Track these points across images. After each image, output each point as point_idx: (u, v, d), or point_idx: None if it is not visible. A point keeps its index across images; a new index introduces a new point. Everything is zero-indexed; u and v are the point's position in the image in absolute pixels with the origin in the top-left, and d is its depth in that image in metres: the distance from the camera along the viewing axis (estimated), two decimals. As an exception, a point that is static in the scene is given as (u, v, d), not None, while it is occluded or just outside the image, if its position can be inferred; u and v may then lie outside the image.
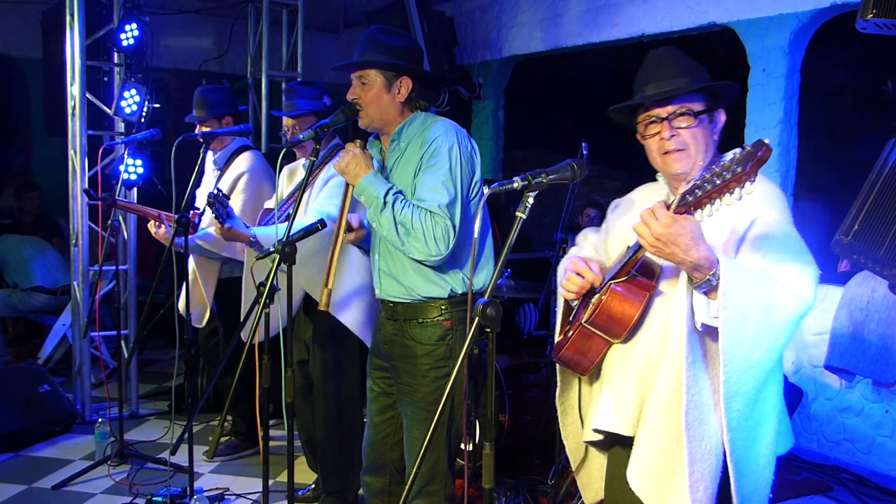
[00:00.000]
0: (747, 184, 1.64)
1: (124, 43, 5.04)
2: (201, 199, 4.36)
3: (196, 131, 4.22)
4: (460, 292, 2.71)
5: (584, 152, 3.80)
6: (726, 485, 1.98)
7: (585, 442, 2.40)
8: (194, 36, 7.51)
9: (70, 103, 5.12)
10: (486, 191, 2.03)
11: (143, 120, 5.17)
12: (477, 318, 1.93)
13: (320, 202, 3.42)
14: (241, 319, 3.54)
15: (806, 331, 4.56)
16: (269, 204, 3.89)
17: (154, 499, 3.78)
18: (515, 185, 2.01)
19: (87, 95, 5.13)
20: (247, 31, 6.41)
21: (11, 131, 7.68)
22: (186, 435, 3.43)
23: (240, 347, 3.08)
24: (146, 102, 5.12)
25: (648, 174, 2.30)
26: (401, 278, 2.73)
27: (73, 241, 5.19)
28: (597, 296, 2.14)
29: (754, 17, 4.84)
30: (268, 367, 2.87)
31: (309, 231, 2.90)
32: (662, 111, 2.12)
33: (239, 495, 4.03)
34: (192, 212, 3.87)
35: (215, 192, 3.23)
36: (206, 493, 3.82)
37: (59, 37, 5.25)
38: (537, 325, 5.26)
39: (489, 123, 7.04)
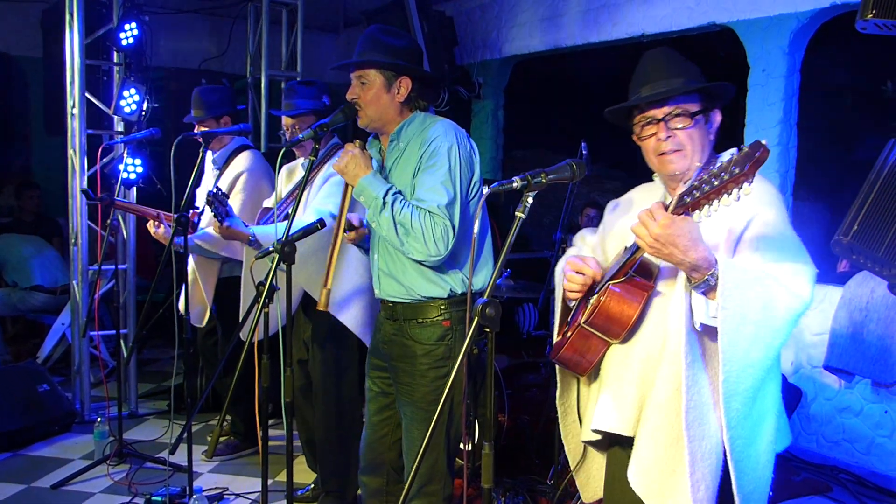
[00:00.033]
0: (745, 185, 1.64)
1: (124, 42, 5.04)
2: (201, 199, 4.36)
3: (195, 131, 4.22)
4: (460, 292, 2.71)
5: (584, 152, 3.80)
6: (726, 484, 1.99)
7: (584, 442, 2.40)
8: (194, 35, 7.51)
9: (70, 102, 5.11)
10: (485, 191, 2.03)
11: (142, 119, 5.17)
12: (476, 318, 1.93)
13: (319, 201, 3.42)
14: (240, 319, 3.54)
15: (805, 331, 4.56)
16: (268, 203, 3.89)
17: (153, 498, 3.78)
18: (515, 184, 2.01)
19: (87, 95, 5.12)
20: (246, 30, 6.40)
21: (11, 130, 7.69)
22: (185, 434, 3.43)
23: (239, 347, 3.08)
24: (146, 102, 5.12)
25: (648, 174, 2.30)
26: (400, 278, 2.73)
27: (73, 241, 5.19)
28: (595, 296, 2.15)
29: (754, 18, 4.84)
30: (267, 366, 2.87)
31: (308, 230, 2.90)
32: (658, 112, 2.12)
33: (238, 495, 4.03)
34: (191, 211, 3.86)
35: (214, 190, 3.23)
36: (205, 493, 3.81)
37: (58, 36, 5.25)
38: (536, 325, 5.26)
39: (489, 123, 7.04)
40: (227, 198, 3.47)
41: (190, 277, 4.18)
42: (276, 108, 3.96)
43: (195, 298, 4.23)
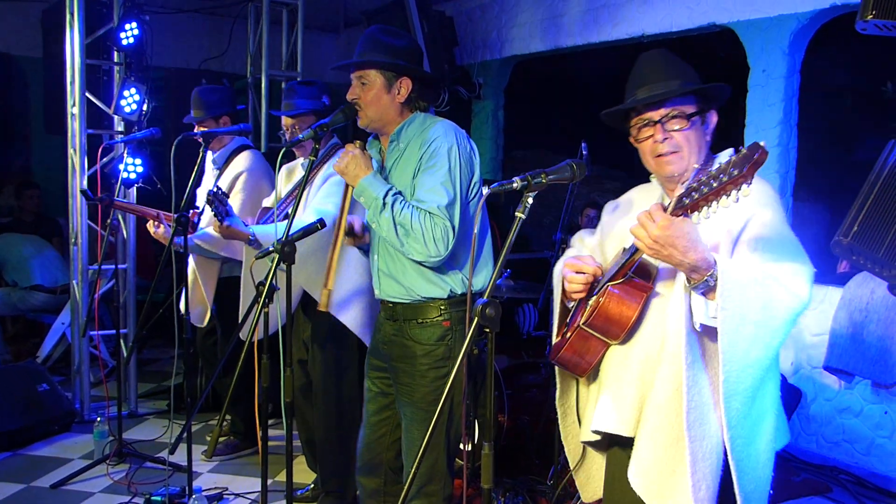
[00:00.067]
0: (744, 186, 1.64)
1: (124, 42, 5.04)
2: (201, 199, 4.36)
3: (195, 131, 4.22)
4: (459, 293, 2.71)
5: (584, 152, 3.81)
6: (726, 483, 2.00)
7: (583, 442, 2.41)
8: (194, 35, 7.51)
9: (70, 102, 5.11)
10: (485, 191, 2.03)
11: (142, 119, 5.17)
12: (476, 319, 1.93)
13: (318, 201, 3.42)
14: (240, 319, 3.54)
15: (805, 331, 4.56)
16: (267, 202, 3.89)
17: (152, 498, 3.77)
18: (515, 185, 2.01)
19: (87, 94, 5.12)
20: (247, 30, 6.40)
21: (11, 130, 7.69)
22: (185, 434, 3.43)
23: (239, 347, 3.08)
24: (146, 101, 5.12)
25: (647, 174, 2.30)
26: (400, 279, 2.73)
27: (73, 240, 5.19)
28: (594, 298, 2.16)
29: (754, 18, 4.84)
30: (267, 366, 2.87)
31: (308, 231, 2.90)
32: (655, 114, 2.12)
33: (238, 495, 4.02)
34: (191, 211, 3.87)
35: (215, 189, 3.24)
36: (204, 493, 3.81)
37: (58, 36, 5.25)
38: (536, 326, 5.26)
39: (489, 123, 7.04)
40: (228, 197, 3.47)
41: (190, 277, 4.18)
42: (276, 108, 3.97)
43: (195, 298, 4.24)
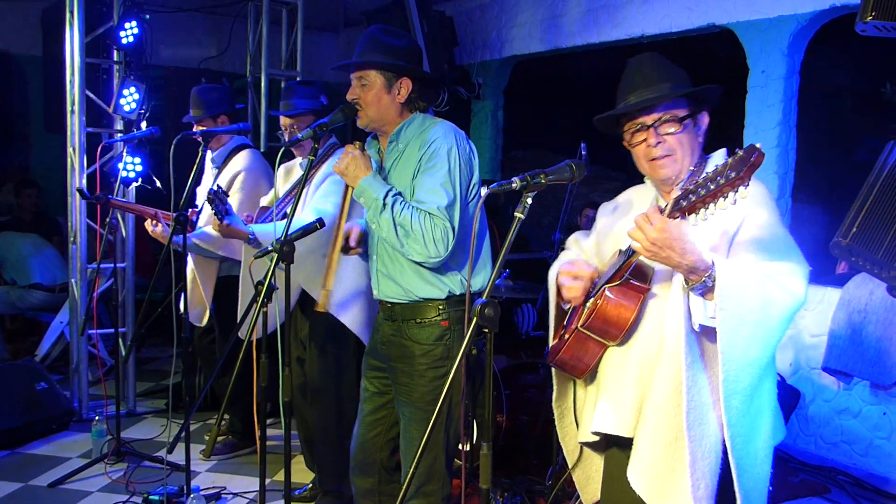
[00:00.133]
0: (741, 188, 1.65)
1: (124, 41, 5.04)
2: (200, 198, 4.36)
3: (194, 130, 4.22)
4: (458, 293, 2.72)
5: (583, 153, 3.81)
6: (725, 481, 2.01)
7: (581, 443, 2.41)
8: (194, 34, 7.51)
9: (69, 101, 5.11)
10: (484, 191, 2.04)
11: (142, 118, 5.17)
12: (475, 319, 1.93)
13: (317, 200, 3.42)
14: (239, 318, 3.54)
15: (804, 332, 4.57)
16: (264, 202, 3.89)
17: (151, 497, 3.77)
18: (514, 185, 2.02)
19: (87, 93, 5.12)
20: (246, 29, 6.40)
21: (11, 129, 7.69)
22: (183, 433, 3.43)
23: (237, 346, 3.07)
24: (145, 100, 5.12)
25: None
26: (399, 279, 2.73)
27: (72, 239, 5.19)
28: (591, 300, 2.17)
29: (754, 19, 4.84)
30: (265, 365, 2.87)
31: (307, 230, 2.90)
32: (648, 119, 2.14)
33: (236, 494, 4.02)
34: (190, 210, 3.86)
35: (215, 188, 3.24)
36: (202, 492, 3.81)
37: (58, 34, 5.25)
38: (535, 326, 5.26)
39: (488, 123, 7.03)
40: (227, 196, 3.47)
41: (189, 277, 4.18)
42: (275, 108, 3.97)
43: (194, 298, 4.23)
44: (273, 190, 3.85)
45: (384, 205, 2.56)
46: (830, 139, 6.54)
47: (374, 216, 2.59)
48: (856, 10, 2.61)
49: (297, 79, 6.13)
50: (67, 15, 5.00)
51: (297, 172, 3.84)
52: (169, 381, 4.80)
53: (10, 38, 7.12)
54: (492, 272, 2.59)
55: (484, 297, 1.95)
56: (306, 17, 6.41)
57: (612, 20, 5.71)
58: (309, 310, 3.56)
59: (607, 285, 2.10)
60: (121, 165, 4.93)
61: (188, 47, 7.40)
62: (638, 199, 2.36)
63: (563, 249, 2.63)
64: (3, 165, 7.61)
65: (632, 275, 2.09)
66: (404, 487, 2.04)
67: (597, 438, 2.27)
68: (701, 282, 1.89)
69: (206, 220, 4.04)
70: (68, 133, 5.13)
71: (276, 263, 2.71)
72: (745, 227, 2.03)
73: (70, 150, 5.13)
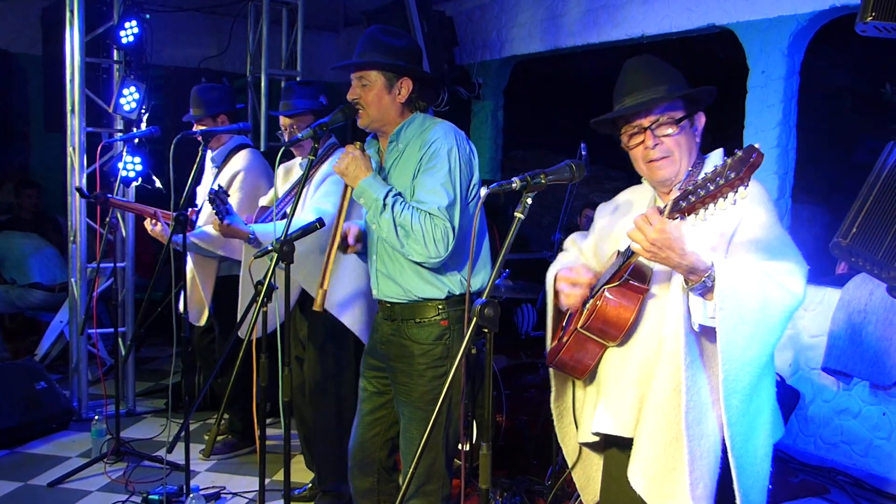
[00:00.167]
0: (741, 188, 1.66)
1: (124, 40, 5.04)
2: (200, 197, 4.36)
3: (194, 129, 4.22)
4: (458, 293, 2.72)
5: (583, 153, 3.81)
6: (724, 480, 2.02)
7: (581, 444, 2.41)
8: (194, 34, 7.51)
9: (69, 100, 5.11)
10: (483, 192, 2.04)
11: (142, 117, 5.17)
12: (475, 319, 1.93)
13: (317, 200, 3.43)
14: (238, 318, 3.54)
15: (804, 332, 4.57)
16: (263, 202, 3.89)
17: (150, 497, 3.77)
18: (514, 185, 2.02)
19: (87, 92, 5.12)
20: (246, 29, 6.40)
21: (10, 128, 7.68)
22: (183, 433, 3.43)
23: (237, 346, 3.07)
24: (145, 100, 5.12)
25: (646, 175, 2.30)
26: (398, 279, 2.73)
27: (71, 238, 5.19)
28: (591, 301, 2.17)
29: (754, 19, 4.84)
30: (265, 365, 2.87)
31: (307, 230, 2.90)
32: (644, 121, 2.15)
33: (235, 494, 4.02)
34: (189, 209, 3.86)
35: (216, 188, 3.24)
36: (202, 492, 3.81)
37: (58, 34, 5.25)
38: (535, 326, 5.25)
39: (488, 123, 7.03)
40: (228, 196, 3.47)
41: (188, 276, 4.18)
42: (275, 108, 3.98)
43: (193, 297, 4.23)
44: (273, 190, 3.85)
45: (384, 205, 2.56)
46: (830, 139, 6.54)
47: (375, 216, 2.59)
48: (856, 11, 2.62)
49: (297, 78, 6.13)
50: (67, 14, 5.00)
51: (297, 172, 3.84)
52: (168, 381, 4.80)
53: (10, 37, 7.12)
54: (491, 272, 2.59)
55: (484, 297, 1.95)
56: (306, 16, 6.41)
57: (612, 20, 5.71)
58: (308, 309, 3.56)
59: (607, 286, 2.10)
60: (121, 165, 4.92)
61: (188, 47, 7.40)
62: (637, 200, 2.36)
63: (561, 251, 2.63)
64: (3, 165, 7.61)
65: (631, 275, 2.10)
66: (404, 487, 2.04)
67: (597, 439, 2.27)
68: (700, 282, 1.90)
69: (205, 220, 4.04)
70: (68, 132, 5.13)
71: (276, 263, 2.71)
72: (742, 227, 2.03)
73: (70, 149, 5.13)
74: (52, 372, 5.56)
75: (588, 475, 2.49)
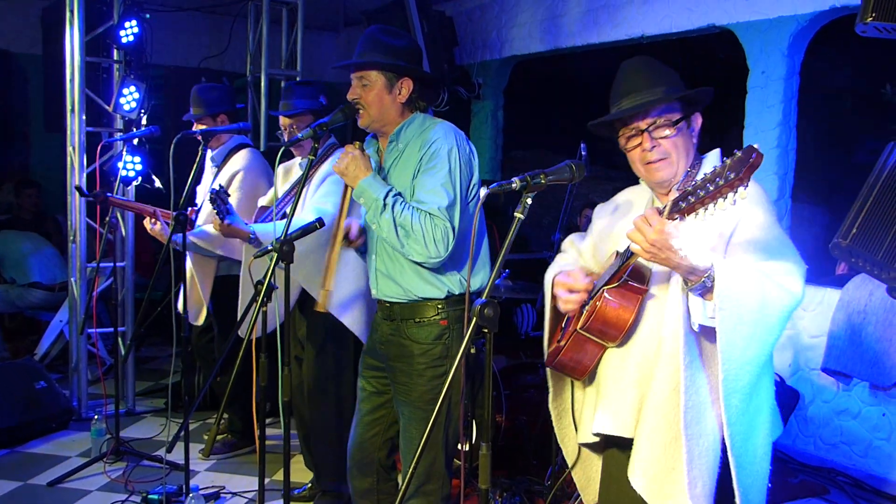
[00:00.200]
0: (740, 189, 1.66)
1: (124, 40, 5.04)
2: (199, 197, 4.36)
3: (193, 129, 4.22)
4: (457, 293, 2.72)
5: (583, 153, 3.81)
6: (724, 479, 2.03)
7: (580, 444, 2.41)
8: (194, 33, 7.51)
9: (69, 100, 5.11)
10: (483, 192, 2.04)
11: (142, 116, 5.17)
12: (475, 319, 1.93)
13: (317, 200, 3.43)
14: (238, 317, 3.54)
15: (803, 333, 4.57)
16: (263, 202, 3.89)
17: (150, 496, 3.77)
18: (514, 185, 2.02)
19: (87, 92, 5.12)
20: (246, 29, 6.40)
21: (10, 128, 7.68)
22: (183, 432, 3.43)
23: (237, 345, 3.07)
24: (145, 99, 5.12)
25: (645, 175, 2.30)
26: (398, 279, 2.73)
27: (71, 238, 5.19)
28: (590, 302, 2.17)
29: (754, 20, 4.84)
30: (265, 365, 2.87)
31: (307, 230, 2.90)
32: (642, 123, 2.15)
33: (235, 493, 4.02)
34: (189, 209, 3.86)
35: (216, 188, 3.24)
36: (201, 492, 3.81)
37: (58, 33, 5.24)
38: (535, 326, 5.26)
39: (488, 123, 7.03)
40: (228, 195, 3.47)
41: (188, 276, 4.18)
42: (275, 108, 3.98)
43: (192, 297, 4.23)
44: (272, 189, 3.85)
45: (384, 205, 2.56)
46: (830, 140, 6.54)
47: (375, 216, 2.59)
48: (856, 11, 2.62)
49: (297, 78, 6.13)
50: (67, 14, 5.00)
51: (296, 172, 3.84)
52: (168, 381, 4.81)
53: (10, 37, 7.12)
54: (491, 272, 2.59)
55: (483, 297, 1.95)
56: (306, 16, 6.41)
57: (612, 20, 5.71)
58: (307, 309, 3.56)
59: (606, 287, 2.11)
60: (120, 164, 4.92)
61: (188, 46, 7.41)
62: (636, 201, 2.37)
63: (560, 252, 2.63)
64: (3, 165, 7.61)
65: (630, 276, 2.10)
66: (403, 487, 2.04)
67: (597, 439, 2.27)
68: (700, 282, 1.90)
69: (205, 219, 4.04)
70: (68, 132, 5.13)
71: (276, 263, 2.71)
72: (741, 227, 2.04)
73: (70, 149, 5.13)
74: (51, 371, 5.56)
75: (588, 475, 2.49)
